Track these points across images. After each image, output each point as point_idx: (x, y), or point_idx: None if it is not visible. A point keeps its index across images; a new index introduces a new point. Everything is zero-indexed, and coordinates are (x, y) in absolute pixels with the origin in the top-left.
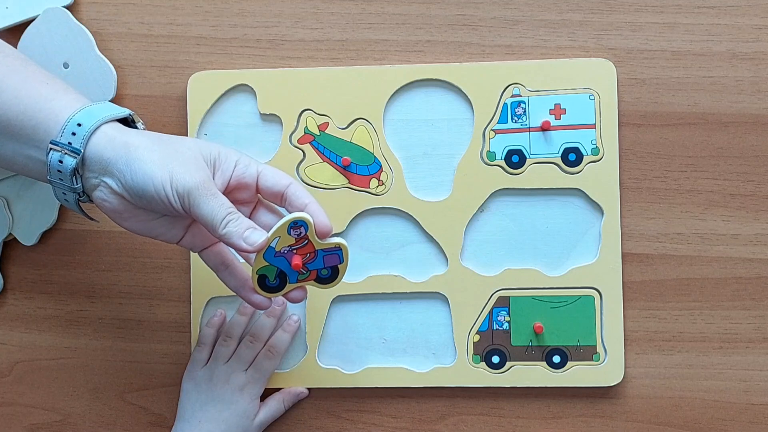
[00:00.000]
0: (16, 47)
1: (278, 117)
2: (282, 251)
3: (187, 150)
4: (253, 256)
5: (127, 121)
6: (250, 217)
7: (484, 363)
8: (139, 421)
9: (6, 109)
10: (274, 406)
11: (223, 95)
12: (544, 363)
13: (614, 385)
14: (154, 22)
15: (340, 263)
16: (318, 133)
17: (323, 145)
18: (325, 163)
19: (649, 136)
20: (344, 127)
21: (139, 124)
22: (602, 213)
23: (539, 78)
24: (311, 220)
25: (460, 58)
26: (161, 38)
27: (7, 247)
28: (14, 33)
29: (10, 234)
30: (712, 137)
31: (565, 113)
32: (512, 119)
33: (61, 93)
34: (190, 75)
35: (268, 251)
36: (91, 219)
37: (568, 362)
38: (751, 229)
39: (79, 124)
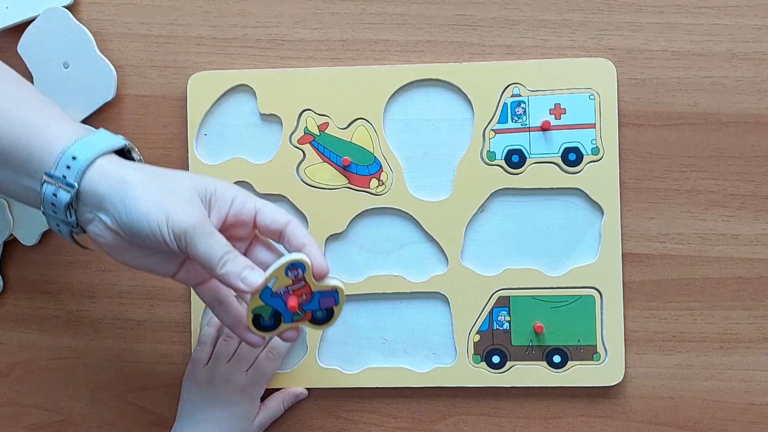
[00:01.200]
0: (16, 47)
1: (278, 117)
2: (278, 292)
3: (183, 187)
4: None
5: (123, 152)
6: (245, 254)
7: (484, 363)
8: (139, 421)
9: None
10: (273, 406)
11: (223, 95)
12: (545, 363)
13: (614, 385)
14: (154, 22)
15: (336, 305)
16: (318, 133)
17: (323, 145)
18: (325, 163)
19: (650, 136)
20: (344, 127)
21: (134, 154)
22: (602, 213)
23: (539, 78)
24: (309, 262)
25: (461, 58)
26: (161, 38)
27: (8, 247)
28: (14, 33)
29: (11, 234)
30: (712, 137)
31: (565, 113)
32: (512, 119)
33: (55, 120)
34: (190, 75)
35: (264, 291)
36: (84, 248)
37: (569, 362)
38: (752, 229)
39: (74, 158)
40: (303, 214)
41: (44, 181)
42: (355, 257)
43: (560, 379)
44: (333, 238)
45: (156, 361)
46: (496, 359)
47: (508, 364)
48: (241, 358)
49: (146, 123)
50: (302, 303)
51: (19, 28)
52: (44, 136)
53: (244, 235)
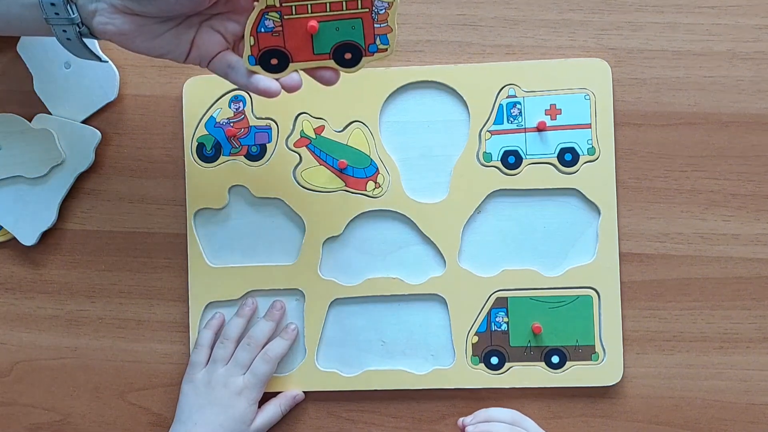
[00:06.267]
0: (16, 46)
1: (273, 121)
2: (221, 123)
3: None
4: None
5: None
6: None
7: (482, 364)
8: (139, 421)
9: None
10: (271, 411)
11: (219, 99)
12: (543, 363)
13: (614, 385)
14: None
15: (269, 142)
16: (314, 137)
17: (319, 148)
18: (322, 166)
19: (650, 136)
20: (340, 130)
21: None
22: (599, 212)
23: (534, 78)
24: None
25: (461, 58)
26: None
27: (7, 247)
28: None
29: (10, 234)
30: (713, 137)
31: (560, 113)
32: (508, 120)
33: None
34: (190, 75)
35: (209, 121)
36: (100, 60)
37: (567, 362)
38: (752, 229)
39: None
40: (300, 217)
41: None
42: (353, 260)
43: (559, 379)
44: (330, 240)
45: (156, 360)
46: (494, 360)
47: (507, 365)
48: (238, 362)
49: (146, 122)
50: (240, 137)
51: None
52: None
53: None
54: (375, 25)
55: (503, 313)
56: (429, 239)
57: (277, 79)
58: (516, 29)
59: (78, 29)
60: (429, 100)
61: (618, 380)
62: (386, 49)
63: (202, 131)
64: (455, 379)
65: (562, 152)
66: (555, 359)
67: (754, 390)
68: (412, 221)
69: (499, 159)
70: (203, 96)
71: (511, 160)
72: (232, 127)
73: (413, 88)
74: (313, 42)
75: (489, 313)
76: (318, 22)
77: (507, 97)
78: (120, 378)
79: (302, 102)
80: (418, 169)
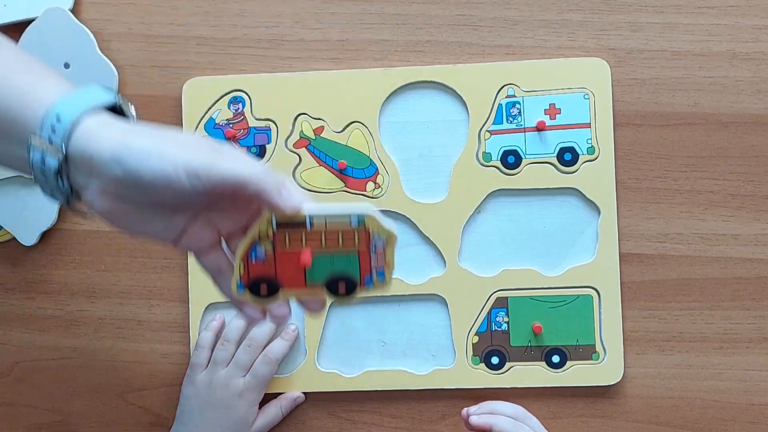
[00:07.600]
0: None
1: (273, 122)
2: (221, 124)
3: (187, 136)
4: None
5: (115, 109)
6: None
7: (483, 364)
8: (139, 421)
9: None
10: (272, 412)
11: (218, 99)
12: (544, 363)
13: (614, 385)
14: (155, 22)
15: (268, 143)
16: (313, 137)
17: (319, 149)
18: (321, 167)
19: (649, 136)
20: (339, 130)
21: (128, 110)
22: (599, 212)
23: (533, 78)
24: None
25: (460, 58)
26: (161, 38)
27: (7, 247)
28: (14, 32)
29: (10, 234)
30: (712, 137)
31: (560, 113)
32: (507, 120)
33: (38, 77)
34: (191, 75)
35: (209, 122)
36: (86, 216)
37: (568, 362)
38: (751, 229)
39: (59, 118)
40: None
41: (30, 146)
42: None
43: (559, 379)
44: None
45: (156, 361)
46: (495, 360)
47: (507, 364)
48: (239, 364)
49: (146, 122)
50: (239, 138)
51: (20, 28)
52: (29, 97)
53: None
54: (372, 260)
55: (503, 313)
56: (429, 239)
57: (266, 304)
58: (515, 29)
59: (68, 198)
60: (428, 101)
61: (619, 379)
62: (382, 284)
63: (201, 133)
64: (456, 379)
65: (562, 152)
66: (555, 359)
67: (754, 390)
68: (411, 221)
69: (499, 159)
70: (203, 97)
71: (511, 160)
72: (231, 128)
73: (413, 88)
74: (305, 272)
75: (489, 313)
76: (312, 253)
77: (506, 97)
78: (120, 378)
79: (301, 103)
80: (418, 170)
